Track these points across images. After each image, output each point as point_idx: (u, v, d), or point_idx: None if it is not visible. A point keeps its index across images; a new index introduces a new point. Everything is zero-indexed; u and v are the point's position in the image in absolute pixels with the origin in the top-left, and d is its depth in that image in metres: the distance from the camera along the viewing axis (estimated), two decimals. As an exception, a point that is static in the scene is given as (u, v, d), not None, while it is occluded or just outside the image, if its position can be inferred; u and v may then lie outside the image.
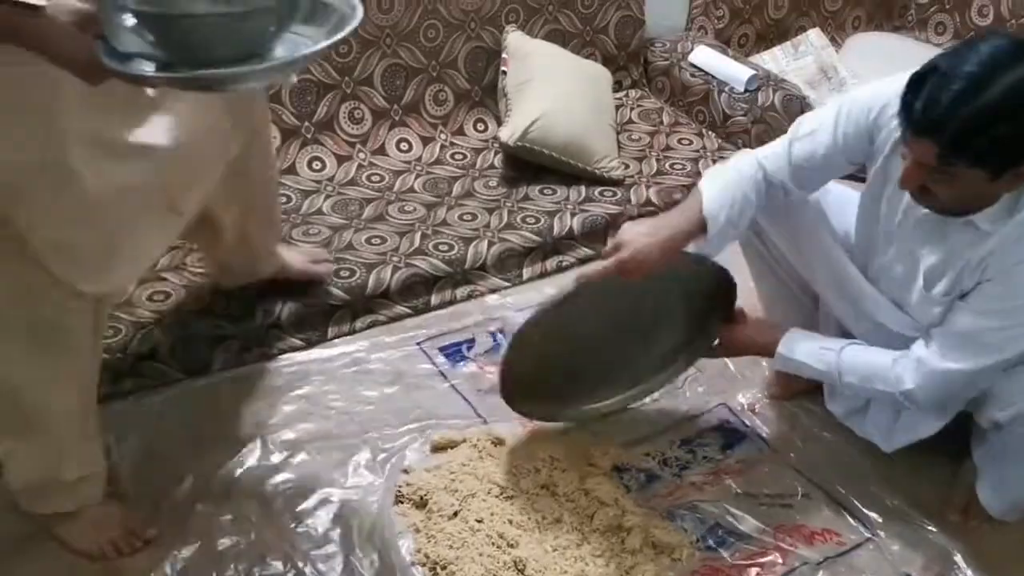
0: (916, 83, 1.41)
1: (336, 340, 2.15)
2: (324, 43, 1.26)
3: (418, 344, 2.17)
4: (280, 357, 2.09)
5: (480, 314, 2.26)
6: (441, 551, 1.65)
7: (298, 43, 1.30)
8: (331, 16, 1.32)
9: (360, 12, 1.30)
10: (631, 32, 3.04)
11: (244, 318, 2.07)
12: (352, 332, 2.17)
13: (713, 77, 2.96)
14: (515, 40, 2.76)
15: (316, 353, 2.12)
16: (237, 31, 1.21)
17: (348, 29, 1.27)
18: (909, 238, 1.65)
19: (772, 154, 1.76)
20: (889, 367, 1.64)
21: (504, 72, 2.73)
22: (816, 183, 1.77)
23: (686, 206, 1.72)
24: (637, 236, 1.65)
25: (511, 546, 1.66)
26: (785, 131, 2.61)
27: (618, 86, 3.03)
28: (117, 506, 1.69)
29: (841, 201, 1.84)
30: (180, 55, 1.20)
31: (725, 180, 1.72)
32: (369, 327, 2.19)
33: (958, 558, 1.72)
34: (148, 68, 1.20)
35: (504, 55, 2.75)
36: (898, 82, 1.52)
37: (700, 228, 1.69)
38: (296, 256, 2.15)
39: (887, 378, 1.64)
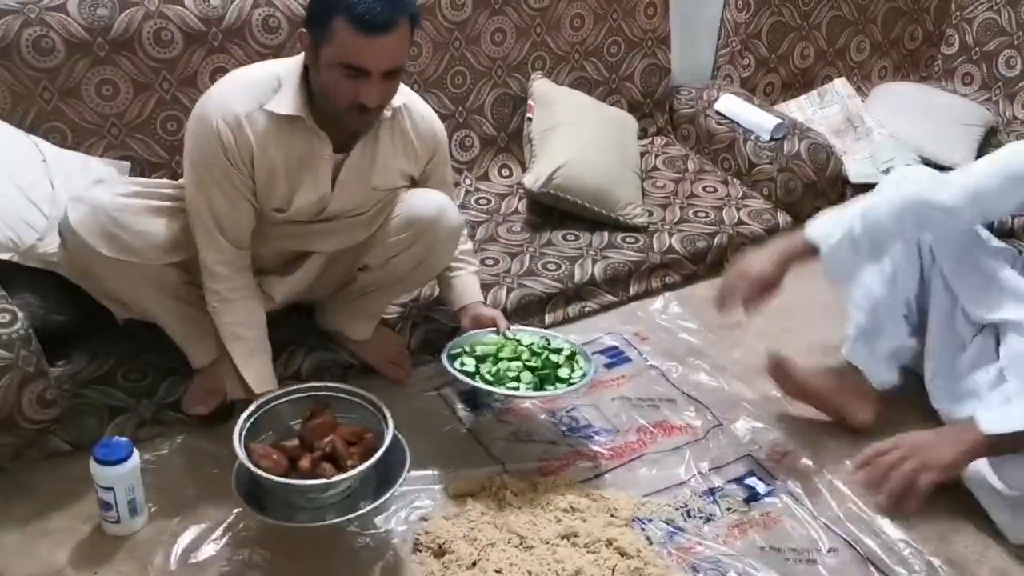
0: None
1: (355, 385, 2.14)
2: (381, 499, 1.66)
3: (436, 390, 2.15)
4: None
5: (501, 360, 2.24)
6: (458, 602, 1.63)
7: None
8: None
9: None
10: (657, 80, 3.06)
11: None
12: (372, 377, 2.16)
13: (739, 125, 2.95)
14: (541, 87, 2.78)
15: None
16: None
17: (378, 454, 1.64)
18: None
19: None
20: None
21: (530, 119, 2.75)
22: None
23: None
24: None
25: (530, 598, 1.63)
26: (810, 179, 2.69)
27: (643, 133, 3.03)
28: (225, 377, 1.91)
29: None
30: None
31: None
32: (388, 372, 2.18)
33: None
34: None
35: (530, 102, 2.77)
36: None
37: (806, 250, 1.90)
38: (380, 345, 2.15)
39: None
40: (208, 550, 1.73)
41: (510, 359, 1.96)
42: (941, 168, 2.21)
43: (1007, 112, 3.35)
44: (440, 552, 1.73)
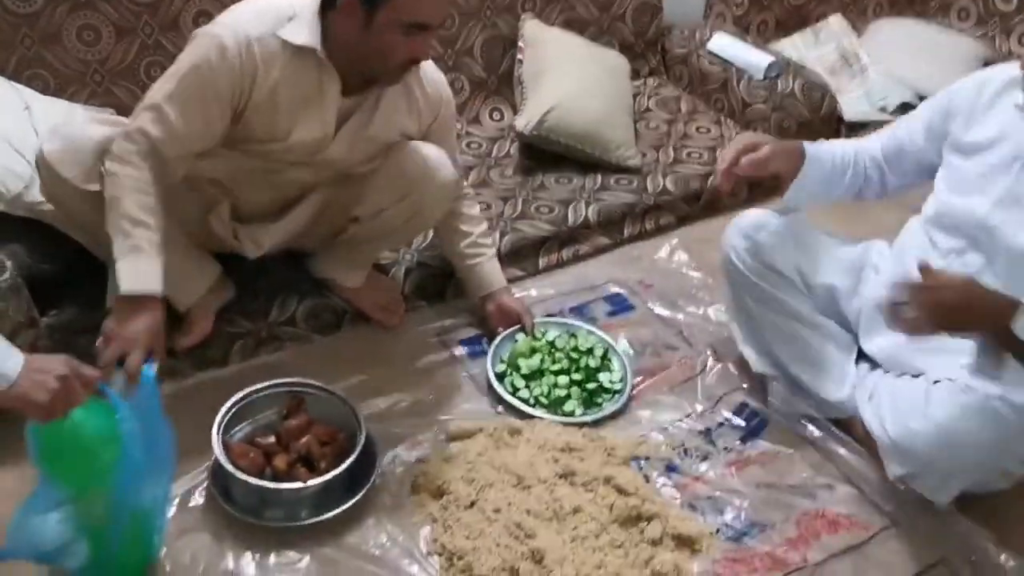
0: None
1: (350, 330, 2.14)
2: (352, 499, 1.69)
3: (437, 336, 2.14)
4: (293, 347, 2.08)
5: (496, 304, 2.23)
6: (458, 541, 1.63)
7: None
8: None
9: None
10: (648, 20, 3.01)
11: (260, 315, 2.05)
12: (367, 322, 2.15)
13: (732, 64, 2.92)
14: (531, 28, 2.74)
15: (330, 343, 2.10)
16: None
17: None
18: None
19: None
20: None
21: (520, 60, 2.71)
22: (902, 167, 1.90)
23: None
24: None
25: (528, 536, 1.64)
26: (804, 118, 2.62)
27: (636, 74, 2.99)
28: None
29: None
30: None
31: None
32: (385, 316, 2.17)
33: (989, 546, 1.68)
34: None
35: (520, 43, 2.72)
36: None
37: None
38: (373, 291, 2.14)
39: None
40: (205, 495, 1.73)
41: (556, 373, 2.00)
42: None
43: (1003, 47, 3.32)
44: (438, 493, 1.73)
